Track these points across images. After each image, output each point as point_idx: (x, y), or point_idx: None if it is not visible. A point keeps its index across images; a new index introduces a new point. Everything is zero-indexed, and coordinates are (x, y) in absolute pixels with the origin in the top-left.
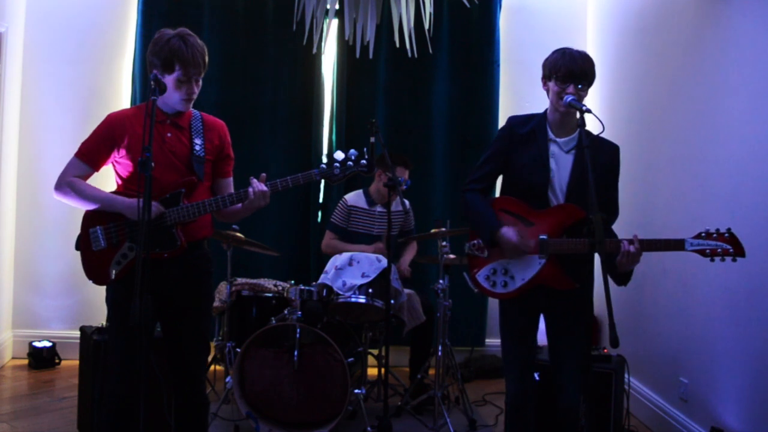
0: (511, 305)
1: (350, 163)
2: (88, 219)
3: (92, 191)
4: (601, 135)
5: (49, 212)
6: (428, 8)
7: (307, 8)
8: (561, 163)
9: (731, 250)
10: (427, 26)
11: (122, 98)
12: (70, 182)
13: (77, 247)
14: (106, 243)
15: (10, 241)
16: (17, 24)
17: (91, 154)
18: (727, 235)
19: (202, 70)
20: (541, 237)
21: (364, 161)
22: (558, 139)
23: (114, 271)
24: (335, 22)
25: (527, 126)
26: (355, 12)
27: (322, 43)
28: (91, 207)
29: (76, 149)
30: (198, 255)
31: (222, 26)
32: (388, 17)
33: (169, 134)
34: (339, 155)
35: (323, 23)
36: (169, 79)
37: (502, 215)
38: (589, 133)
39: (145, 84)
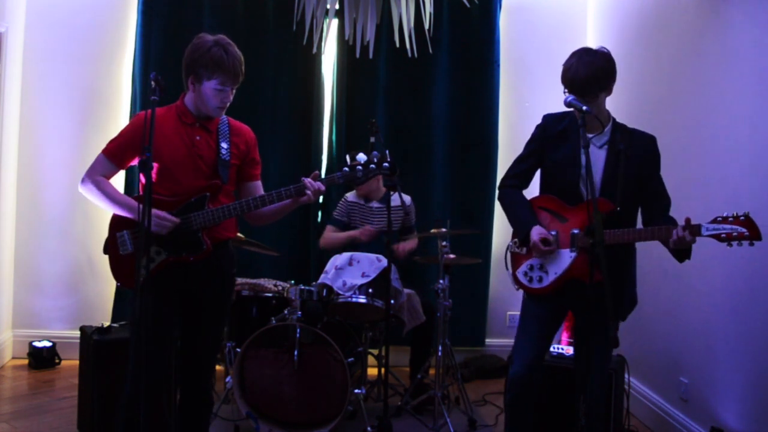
0: (539, 298)
1: (372, 165)
2: (115, 223)
3: (117, 195)
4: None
5: (49, 212)
6: (428, 8)
7: (307, 8)
8: (594, 158)
9: (747, 234)
10: (427, 26)
11: (122, 98)
12: (97, 181)
13: (105, 251)
14: (133, 247)
15: (10, 241)
16: (17, 24)
17: (118, 154)
18: (743, 218)
19: (239, 80)
20: (573, 231)
21: (386, 164)
22: (590, 136)
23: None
24: (335, 22)
25: (561, 124)
26: (355, 12)
27: (322, 43)
28: (112, 210)
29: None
30: (222, 255)
31: (222, 26)
32: (388, 17)
33: (198, 137)
34: (361, 157)
35: (323, 23)
36: (207, 86)
37: (540, 213)
38: (623, 127)
39: (146, 84)
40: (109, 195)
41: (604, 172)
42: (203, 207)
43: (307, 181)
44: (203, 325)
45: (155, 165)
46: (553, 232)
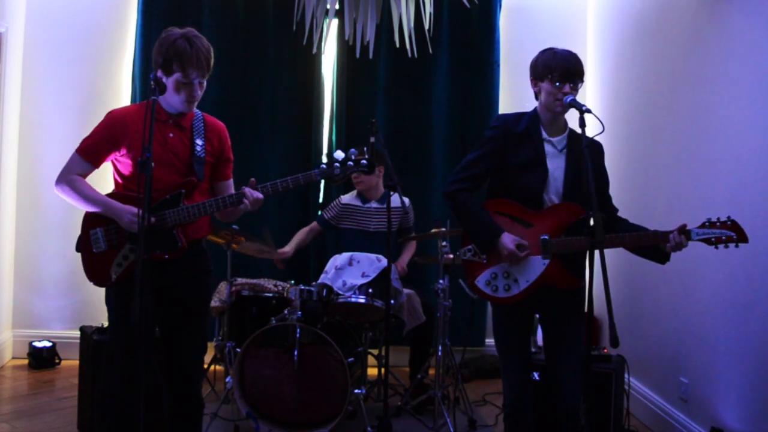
0: (508, 308)
1: (350, 162)
2: (89, 220)
3: (91, 193)
4: (597, 135)
5: (49, 212)
6: (428, 8)
7: (307, 8)
8: (555, 163)
9: (735, 237)
10: (427, 26)
11: (122, 98)
12: (70, 180)
13: (78, 249)
14: (106, 245)
15: (10, 241)
16: (17, 24)
17: (92, 152)
18: (729, 222)
19: (206, 72)
20: (543, 237)
21: (364, 161)
22: (551, 139)
23: (115, 274)
24: (335, 22)
25: (520, 125)
26: (355, 12)
27: (322, 43)
28: (88, 208)
29: (77, 146)
30: (197, 254)
31: (222, 26)
32: (388, 17)
33: (171, 134)
34: (339, 155)
35: (323, 23)
36: (172, 80)
37: (498, 218)
38: (576, 133)
39: (145, 84)
40: (84, 193)
41: (566, 177)
42: (178, 204)
43: (247, 190)
44: (183, 326)
45: (129, 162)
46: (525, 242)
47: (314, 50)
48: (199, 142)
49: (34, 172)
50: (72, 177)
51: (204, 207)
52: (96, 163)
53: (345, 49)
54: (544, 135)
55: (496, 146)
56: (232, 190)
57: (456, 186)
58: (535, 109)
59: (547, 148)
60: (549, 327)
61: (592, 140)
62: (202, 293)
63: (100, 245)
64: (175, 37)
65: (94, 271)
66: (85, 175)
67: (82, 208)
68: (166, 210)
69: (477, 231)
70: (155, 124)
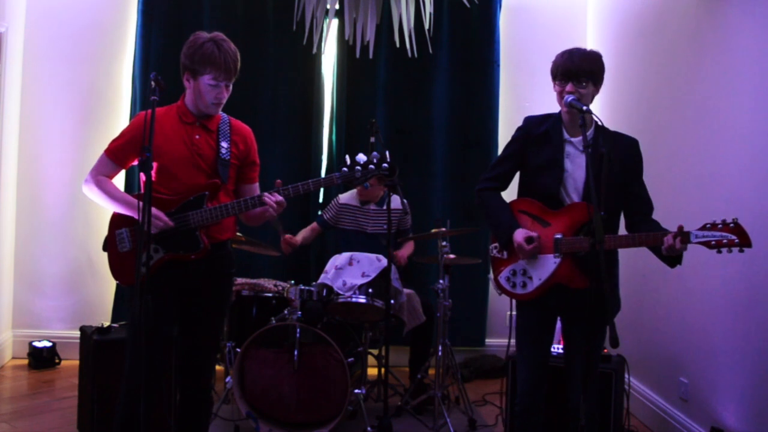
0: (529, 306)
1: (372, 166)
2: (115, 221)
3: (117, 194)
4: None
5: (49, 212)
6: (428, 8)
7: (307, 8)
8: (576, 162)
9: (737, 241)
10: (427, 26)
11: (122, 98)
12: (98, 180)
13: (104, 249)
14: (131, 245)
15: (10, 241)
16: (17, 24)
17: (119, 154)
18: (732, 225)
19: (232, 76)
20: (556, 236)
21: (385, 164)
22: (572, 139)
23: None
24: (335, 22)
25: (543, 126)
26: (355, 12)
27: (322, 43)
28: (114, 209)
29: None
30: (221, 255)
31: (222, 26)
32: (388, 17)
33: (197, 136)
34: (361, 158)
35: (323, 23)
36: (201, 82)
37: (520, 216)
38: (605, 130)
39: (145, 84)
40: (110, 194)
41: (587, 177)
42: (202, 206)
43: (266, 195)
44: (202, 325)
45: (155, 164)
46: (534, 235)
47: (314, 50)
48: (224, 144)
49: (34, 172)
50: (100, 177)
51: (226, 209)
52: (123, 165)
53: (345, 49)
54: (566, 136)
55: (519, 147)
56: (258, 193)
57: (482, 185)
58: (560, 110)
59: (569, 148)
60: (567, 328)
61: (623, 136)
62: (223, 295)
63: (126, 245)
64: (203, 40)
65: (120, 270)
66: (112, 176)
67: (109, 209)
68: (189, 211)
69: (496, 228)
70: (183, 127)
